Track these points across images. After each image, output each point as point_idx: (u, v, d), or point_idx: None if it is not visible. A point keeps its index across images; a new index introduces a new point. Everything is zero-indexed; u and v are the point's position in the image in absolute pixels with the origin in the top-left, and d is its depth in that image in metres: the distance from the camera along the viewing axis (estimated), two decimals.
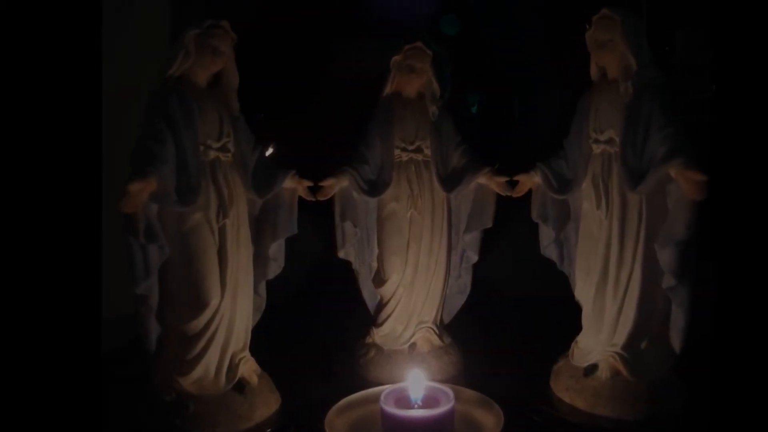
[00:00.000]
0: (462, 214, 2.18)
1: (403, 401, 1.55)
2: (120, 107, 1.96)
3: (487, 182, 2.07)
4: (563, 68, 2.60)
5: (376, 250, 2.20)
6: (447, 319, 2.27)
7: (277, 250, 1.98)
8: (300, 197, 1.98)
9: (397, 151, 2.10)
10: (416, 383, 1.58)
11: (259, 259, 1.94)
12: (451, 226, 2.14)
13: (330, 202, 2.07)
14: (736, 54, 1.34)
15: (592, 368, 1.86)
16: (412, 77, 2.09)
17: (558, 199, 1.96)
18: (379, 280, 2.18)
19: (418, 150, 2.10)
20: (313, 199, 1.99)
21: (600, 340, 1.88)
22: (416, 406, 1.54)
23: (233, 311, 1.80)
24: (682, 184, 1.60)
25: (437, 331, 2.16)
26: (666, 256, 1.68)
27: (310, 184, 1.98)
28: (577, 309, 1.97)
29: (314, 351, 2.37)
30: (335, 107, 2.71)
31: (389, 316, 2.15)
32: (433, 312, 2.17)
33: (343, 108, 2.62)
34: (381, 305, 2.21)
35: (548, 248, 2.03)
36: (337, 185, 2.04)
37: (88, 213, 1.26)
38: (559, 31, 2.62)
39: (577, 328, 1.96)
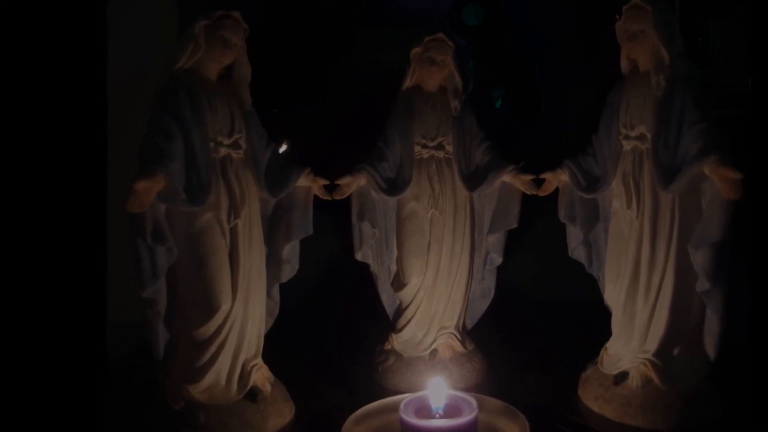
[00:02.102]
0: (485, 214, 2.18)
1: (424, 411, 1.55)
2: (126, 102, 1.97)
3: (512, 181, 2.07)
4: (592, 61, 2.61)
5: (395, 252, 2.20)
6: (470, 325, 2.27)
7: (291, 251, 1.97)
8: (315, 196, 1.98)
9: (417, 148, 2.10)
10: (437, 391, 1.57)
11: (272, 262, 1.94)
12: (474, 226, 2.14)
13: (347, 201, 2.07)
14: None
15: (623, 376, 1.85)
16: (433, 70, 2.09)
17: (586, 199, 1.96)
18: (399, 283, 2.18)
19: (440, 147, 2.10)
20: (329, 198, 1.99)
21: (631, 346, 1.87)
22: (437, 415, 1.53)
23: (245, 316, 1.81)
24: (717, 182, 1.59)
25: (459, 337, 2.16)
26: (700, 258, 1.67)
27: (326, 182, 1.97)
28: (606, 313, 1.97)
29: (330, 358, 2.38)
30: (352, 102, 2.71)
31: (409, 321, 2.15)
32: (455, 317, 2.17)
33: (360, 102, 2.62)
34: (400, 310, 2.21)
35: (576, 250, 2.03)
36: (354, 184, 2.04)
37: (93, 212, 1.26)
38: (588, 22, 2.62)
39: (607, 334, 1.96)
